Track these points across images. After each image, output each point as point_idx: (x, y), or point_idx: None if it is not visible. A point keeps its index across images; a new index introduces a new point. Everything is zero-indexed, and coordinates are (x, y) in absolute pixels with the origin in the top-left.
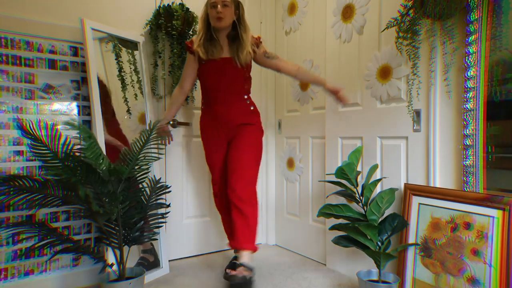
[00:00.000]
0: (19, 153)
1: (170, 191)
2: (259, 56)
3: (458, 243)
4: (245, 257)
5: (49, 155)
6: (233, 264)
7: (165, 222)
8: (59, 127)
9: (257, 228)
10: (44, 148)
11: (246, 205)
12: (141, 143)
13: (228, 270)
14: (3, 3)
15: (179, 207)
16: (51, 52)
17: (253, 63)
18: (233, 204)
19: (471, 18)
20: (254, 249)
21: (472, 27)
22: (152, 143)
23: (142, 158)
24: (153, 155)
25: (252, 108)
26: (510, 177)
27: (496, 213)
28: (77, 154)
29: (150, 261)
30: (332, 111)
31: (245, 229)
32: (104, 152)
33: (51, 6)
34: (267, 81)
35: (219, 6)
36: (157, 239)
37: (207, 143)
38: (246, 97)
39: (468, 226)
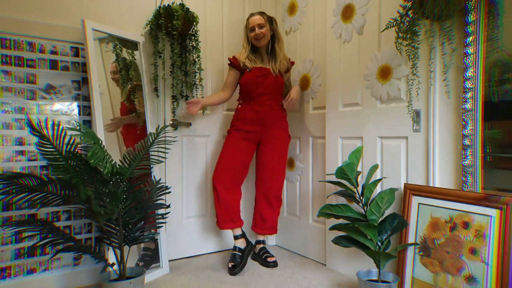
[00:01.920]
0: (22, 153)
1: (170, 192)
2: (284, 78)
3: (457, 243)
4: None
5: (54, 153)
6: (234, 256)
7: (165, 223)
8: (64, 126)
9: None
10: (50, 146)
11: None
12: (147, 145)
13: (230, 264)
14: (6, 5)
15: (179, 208)
16: (53, 52)
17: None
18: None
19: (469, 20)
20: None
21: (470, 29)
22: (155, 146)
23: (144, 160)
24: (155, 158)
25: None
26: (508, 176)
27: (493, 212)
28: (80, 152)
29: (152, 248)
30: (333, 111)
31: None
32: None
33: (53, 7)
34: None
35: (256, 28)
36: (157, 239)
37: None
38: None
39: (466, 225)
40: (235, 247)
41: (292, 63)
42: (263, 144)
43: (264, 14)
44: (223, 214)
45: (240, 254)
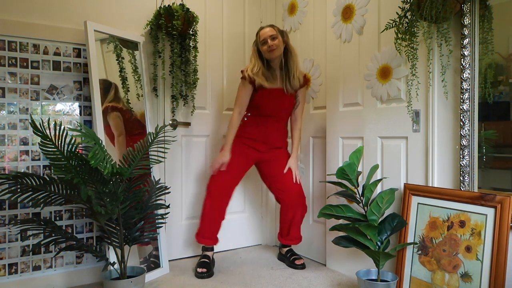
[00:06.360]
0: (26, 152)
1: (169, 192)
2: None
3: (454, 241)
4: None
5: (56, 153)
6: (205, 263)
7: (165, 223)
8: (65, 126)
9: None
10: (52, 146)
11: None
12: (146, 145)
13: (201, 270)
14: (12, 9)
15: (178, 208)
16: (56, 54)
17: None
18: None
19: (465, 22)
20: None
21: (466, 31)
22: (154, 146)
23: (144, 160)
24: (154, 158)
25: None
26: (503, 176)
27: (488, 211)
28: (81, 152)
29: (157, 256)
30: (333, 111)
31: None
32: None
33: (57, 9)
34: None
35: (269, 40)
36: (156, 239)
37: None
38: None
39: (462, 224)
40: (206, 256)
41: (306, 80)
42: (267, 161)
43: (274, 26)
44: (211, 228)
45: (209, 262)
